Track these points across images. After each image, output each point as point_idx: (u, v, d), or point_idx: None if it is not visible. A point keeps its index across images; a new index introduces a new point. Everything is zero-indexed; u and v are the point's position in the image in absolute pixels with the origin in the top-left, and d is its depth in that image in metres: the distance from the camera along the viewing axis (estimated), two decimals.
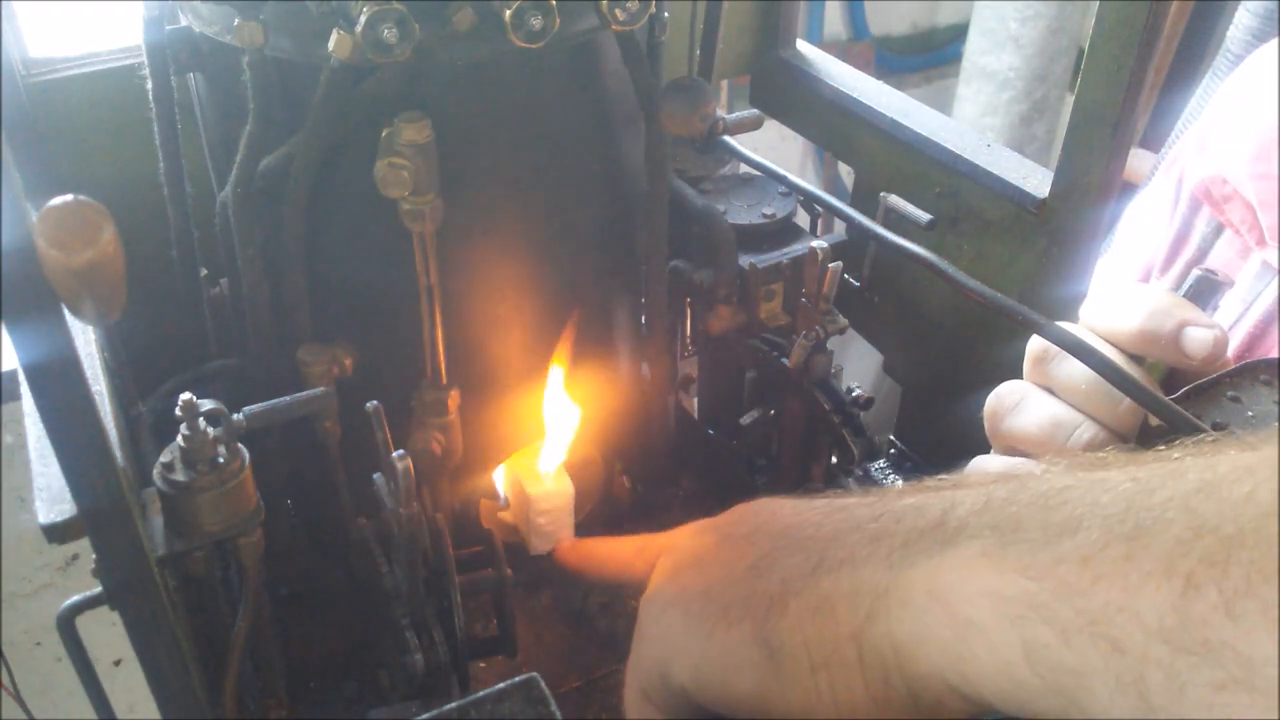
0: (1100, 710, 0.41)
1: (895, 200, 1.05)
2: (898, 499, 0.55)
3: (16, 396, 0.67)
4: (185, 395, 0.66)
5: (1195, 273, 0.80)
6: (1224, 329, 0.74)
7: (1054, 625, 0.42)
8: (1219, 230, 1.11)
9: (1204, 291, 0.79)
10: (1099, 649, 0.41)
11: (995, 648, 0.44)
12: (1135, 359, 0.77)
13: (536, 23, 0.70)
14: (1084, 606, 0.42)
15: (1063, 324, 0.78)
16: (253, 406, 0.74)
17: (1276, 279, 1.05)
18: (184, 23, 0.80)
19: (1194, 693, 0.38)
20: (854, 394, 1.03)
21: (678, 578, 0.62)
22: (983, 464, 0.82)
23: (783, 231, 1.05)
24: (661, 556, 0.66)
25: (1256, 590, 0.37)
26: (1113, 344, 0.77)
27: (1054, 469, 0.50)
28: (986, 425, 0.84)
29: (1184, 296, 0.78)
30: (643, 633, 0.62)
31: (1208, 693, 0.38)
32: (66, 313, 0.44)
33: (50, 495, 0.56)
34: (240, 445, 0.69)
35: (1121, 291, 0.79)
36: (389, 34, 0.67)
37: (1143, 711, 0.40)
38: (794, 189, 1.07)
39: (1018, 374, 0.86)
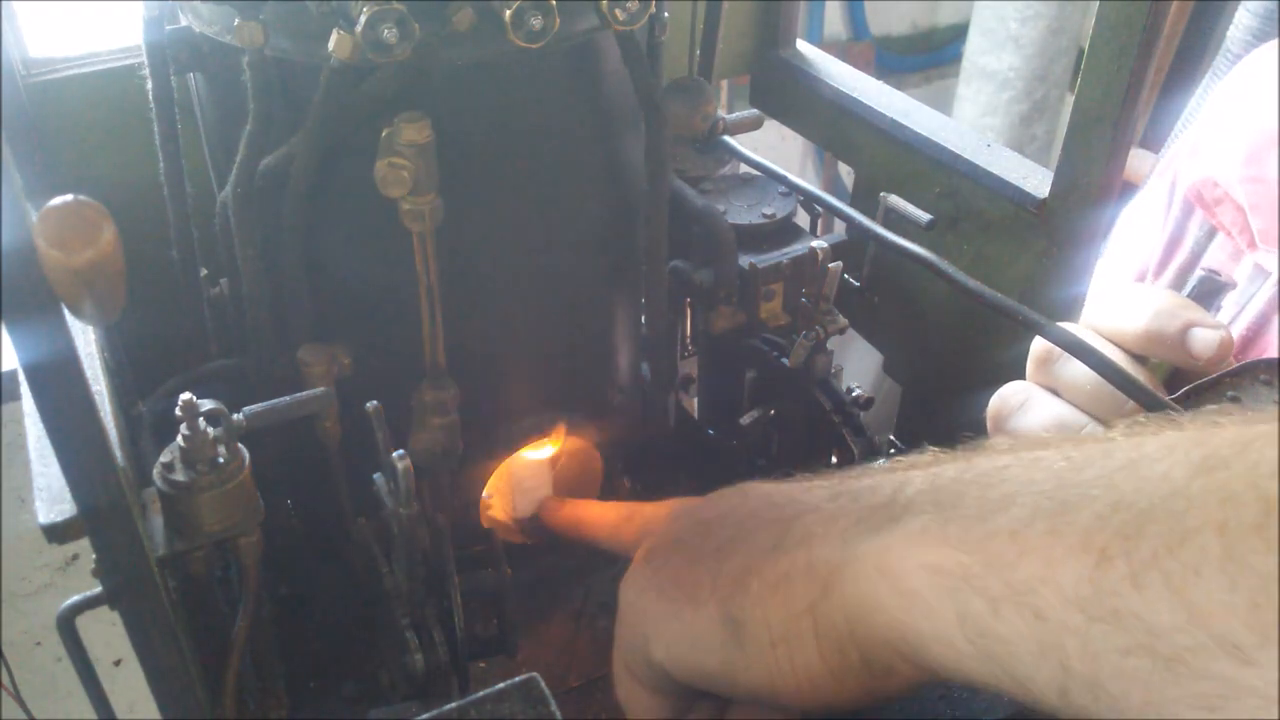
0: (1026, 676, 0.44)
1: (895, 200, 1.05)
2: (856, 480, 0.58)
3: (16, 396, 0.67)
4: (185, 395, 0.66)
5: (1199, 273, 0.80)
6: (1229, 330, 0.75)
7: (984, 596, 0.45)
8: (1212, 233, 1.11)
9: (1207, 292, 0.80)
10: (1023, 618, 0.43)
11: (934, 617, 0.47)
12: (1139, 359, 0.77)
13: (536, 23, 0.70)
14: (1011, 578, 0.44)
15: (1064, 325, 0.78)
16: (253, 406, 0.74)
17: (1269, 281, 1.05)
18: (184, 23, 0.80)
19: (1106, 658, 0.40)
20: (854, 394, 1.03)
21: (652, 561, 0.65)
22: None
23: (783, 231, 1.05)
24: (643, 540, 0.68)
25: (1161, 562, 0.39)
26: (1117, 344, 0.77)
27: (999, 447, 0.53)
28: (990, 426, 0.84)
29: (1188, 297, 0.78)
30: (622, 616, 0.65)
31: (1117, 658, 0.40)
32: (66, 313, 0.44)
33: (50, 495, 0.56)
34: (240, 445, 0.69)
35: (1126, 292, 0.79)
36: (389, 34, 0.67)
37: (1062, 677, 0.42)
38: (794, 189, 1.07)
39: (1018, 374, 0.86)
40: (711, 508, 0.66)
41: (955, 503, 0.49)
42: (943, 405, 1.11)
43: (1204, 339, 0.73)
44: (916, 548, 0.49)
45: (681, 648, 0.59)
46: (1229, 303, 1.07)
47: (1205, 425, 0.44)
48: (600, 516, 0.82)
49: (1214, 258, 1.11)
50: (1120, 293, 0.80)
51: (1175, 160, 1.21)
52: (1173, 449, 0.43)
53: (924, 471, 0.54)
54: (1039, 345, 0.82)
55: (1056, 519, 0.44)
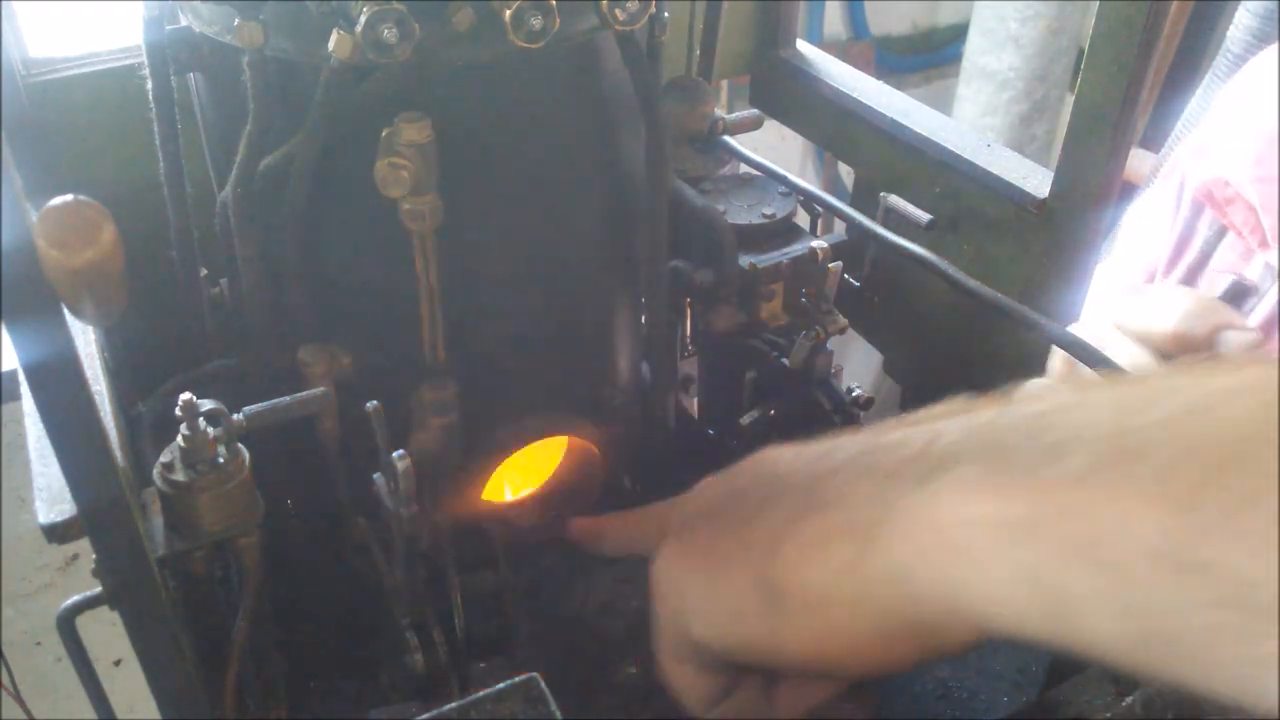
0: (1095, 631, 0.42)
1: (895, 200, 1.05)
2: (883, 435, 0.55)
3: (16, 396, 0.67)
4: (185, 395, 0.66)
5: (1230, 278, 0.81)
6: (1259, 333, 0.75)
7: (1049, 550, 0.43)
8: (1221, 233, 1.11)
9: (1236, 296, 0.80)
10: (1096, 572, 0.41)
11: (988, 574, 0.45)
12: (1167, 360, 0.77)
13: (536, 23, 0.70)
14: (1080, 530, 0.42)
15: (1088, 321, 0.78)
16: (253, 406, 0.74)
17: (1279, 281, 1.05)
18: (184, 23, 0.80)
19: (1191, 613, 0.39)
20: (854, 394, 1.03)
21: (683, 535, 0.63)
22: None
23: (783, 231, 1.05)
24: (669, 524, 0.66)
25: (1245, 511, 0.38)
26: (1145, 345, 0.77)
27: (1033, 395, 0.50)
28: None
29: (1219, 300, 0.79)
30: (657, 594, 0.63)
31: (1204, 612, 0.38)
32: (66, 313, 0.44)
33: (50, 495, 0.56)
34: (240, 445, 0.69)
35: (1155, 293, 0.80)
36: (389, 34, 0.67)
37: (1139, 632, 0.40)
38: (794, 189, 1.07)
39: (1017, 374, 0.86)
40: (737, 476, 0.64)
41: (1003, 452, 0.47)
42: None
43: (1235, 342, 0.73)
44: (965, 501, 0.46)
45: (720, 621, 0.57)
46: None
47: (1273, 367, 0.42)
48: (626, 524, 0.80)
49: (1224, 257, 1.11)
50: (1149, 293, 0.80)
51: (1182, 161, 1.21)
52: (1245, 390, 0.41)
53: (955, 420, 0.52)
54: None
55: (1123, 466, 0.41)
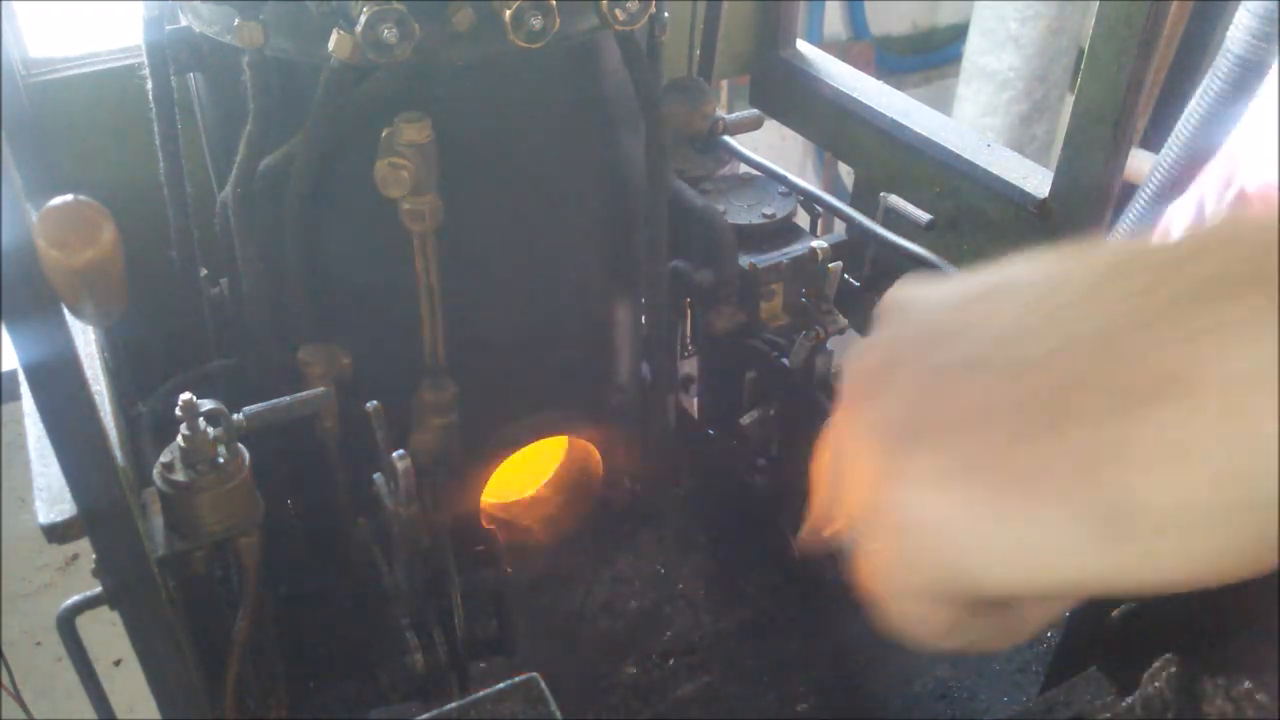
0: None
1: (895, 200, 1.05)
2: (1159, 287, 0.40)
3: (16, 396, 0.67)
4: (185, 395, 0.66)
5: None
6: None
7: None
8: None
9: None
10: None
11: None
12: None
13: (536, 23, 0.70)
14: None
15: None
16: (253, 406, 0.74)
17: None
18: (184, 23, 0.80)
19: None
20: None
21: (919, 449, 0.48)
22: None
23: (783, 231, 1.06)
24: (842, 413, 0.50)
25: None
26: None
27: None
28: None
29: None
30: (903, 528, 0.49)
31: None
32: (66, 313, 0.44)
33: (50, 495, 0.56)
34: (240, 445, 0.69)
35: None
36: (389, 34, 0.67)
37: None
38: (794, 189, 1.07)
39: None
40: (945, 345, 0.47)
41: None
42: None
43: None
44: None
45: (1028, 561, 0.46)
46: None
47: None
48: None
49: None
50: None
51: (1205, 176, 1.20)
52: None
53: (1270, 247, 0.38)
54: None
55: None
